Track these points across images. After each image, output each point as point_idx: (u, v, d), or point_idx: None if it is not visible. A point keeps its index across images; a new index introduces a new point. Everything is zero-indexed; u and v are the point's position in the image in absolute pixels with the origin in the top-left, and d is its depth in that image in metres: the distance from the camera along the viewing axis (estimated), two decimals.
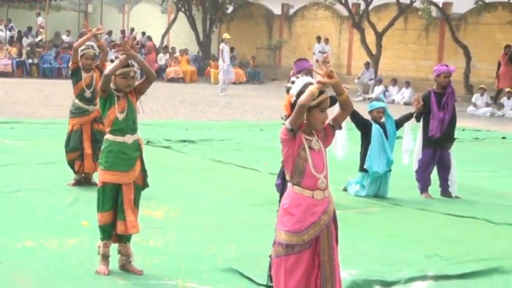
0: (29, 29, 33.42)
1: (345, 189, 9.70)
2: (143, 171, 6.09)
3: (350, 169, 10.01)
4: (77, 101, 9.26)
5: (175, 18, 35.72)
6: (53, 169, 10.27)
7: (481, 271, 6.39)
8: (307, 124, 4.42)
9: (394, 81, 26.76)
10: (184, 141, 13.65)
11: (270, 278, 4.59)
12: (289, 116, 4.41)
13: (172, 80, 31.20)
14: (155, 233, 7.14)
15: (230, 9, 35.56)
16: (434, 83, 9.89)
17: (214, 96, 24.73)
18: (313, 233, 4.38)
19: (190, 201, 8.78)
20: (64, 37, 33.87)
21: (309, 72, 8.53)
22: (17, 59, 29.96)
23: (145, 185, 6.14)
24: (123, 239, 6.01)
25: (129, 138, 5.98)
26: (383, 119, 9.54)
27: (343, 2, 28.79)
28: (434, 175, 9.90)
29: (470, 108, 23.46)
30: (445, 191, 9.83)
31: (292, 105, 4.40)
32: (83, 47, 9.17)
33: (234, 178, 10.51)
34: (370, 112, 9.60)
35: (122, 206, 5.93)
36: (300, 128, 4.37)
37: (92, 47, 9.25)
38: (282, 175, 8.53)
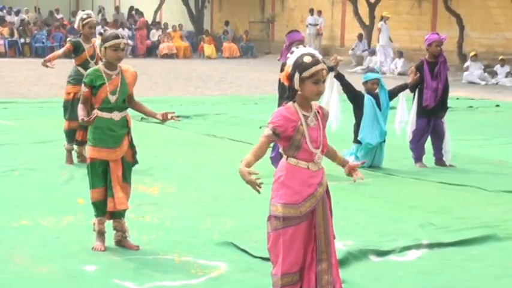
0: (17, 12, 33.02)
1: None
2: (131, 147, 6.06)
3: (345, 140, 10.03)
4: (79, 67, 9.09)
5: None
6: (48, 148, 10.28)
7: (475, 238, 6.43)
8: (301, 95, 4.34)
9: None
10: (178, 116, 13.61)
11: None
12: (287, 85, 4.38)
13: (165, 56, 31.11)
14: (151, 208, 7.18)
15: None
16: (427, 53, 9.90)
17: (208, 72, 24.66)
18: (310, 205, 4.36)
19: (185, 176, 8.80)
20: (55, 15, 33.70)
21: (300, 43, 8.56)
22: (9, 39, 29.82)
23: (134, 161, 6.12)
24: (117, 215, 6.02)
25: (116, 115, 5.94)
26: (377, 90, 9.55)
27: None
28: (428, 145, 9.93)
29: (466, 73, 23.35)
30: (439, 160, 9.87)
31: (289, 76, 4.36)
32: (84, 16, 9.11)
33: (228, 152, 10.52)
34: (365, 83, 9.61)
35: (110, 183, 5.92)
36: (282, 131, 4.31)
37: (92, 15, 9.24)
38: (276, 148, 8.59)
